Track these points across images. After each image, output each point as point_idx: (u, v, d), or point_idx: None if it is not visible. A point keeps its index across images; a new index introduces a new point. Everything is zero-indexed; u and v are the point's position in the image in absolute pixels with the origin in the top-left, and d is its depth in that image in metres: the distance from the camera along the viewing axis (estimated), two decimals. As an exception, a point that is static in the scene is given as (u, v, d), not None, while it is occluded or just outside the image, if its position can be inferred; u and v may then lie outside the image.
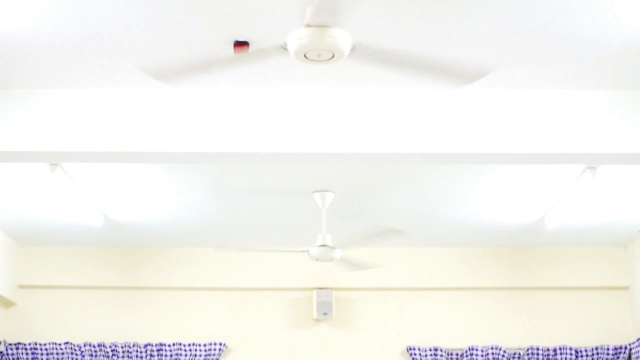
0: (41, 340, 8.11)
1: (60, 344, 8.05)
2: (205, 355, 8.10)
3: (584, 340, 8.15)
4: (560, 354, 8.03)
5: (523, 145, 4.80)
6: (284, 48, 3.72)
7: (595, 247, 8.28)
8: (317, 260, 6.50)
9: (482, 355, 8.05)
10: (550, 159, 4.89)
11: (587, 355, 8.04)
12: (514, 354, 8.09)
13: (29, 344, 8.06)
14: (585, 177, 5.94)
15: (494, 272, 8.32)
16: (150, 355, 8.06)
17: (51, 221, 7.45)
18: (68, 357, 8.01)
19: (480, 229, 7.73)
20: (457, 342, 8.17)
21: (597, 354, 8.04)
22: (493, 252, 8.35)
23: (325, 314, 8.14)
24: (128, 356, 8.06)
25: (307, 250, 6.55)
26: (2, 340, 8.09)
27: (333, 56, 3.64)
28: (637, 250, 8.01)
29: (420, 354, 8.10)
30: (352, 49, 3.71)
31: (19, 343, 8.07)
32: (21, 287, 8.26)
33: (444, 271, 8.33)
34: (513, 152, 4.81)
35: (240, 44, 4.12)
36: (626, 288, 8.26)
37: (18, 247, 8.22)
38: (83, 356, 8.03)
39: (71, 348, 8.04)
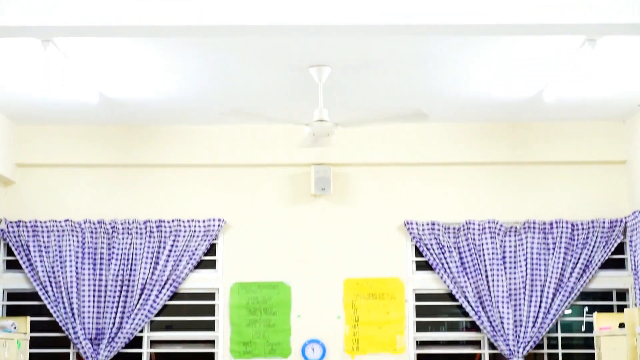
0: (41, 217, 8.18)
1: (60, 222, 8.12)
2: (205, 231, 8.18)
3: (580, 213, 8.22)
4: (557, 227, 8.11)
5: (522, 15, 4.71)
6: None
7: (593, 121, 8.26)
8: (314, 135, 6.49)
9: (478, 229, 8.14)
10: (550, 30, 4.82)
11: (582, 229, 8.12)
12: (511, 227, 8.18)
13: (29, 222, 8.14)
14: (584, 50, 5.87)
15: (491, 147, 8.32)
16: (150, 231, 8.14)
17: (47, 99, 7.40)
18: (68, 234, 8.09)
19: (478, 104, 7.70)
20: (454, 217, 8.25)
21: (593, 227, 8.13)
22: (491, 127, 8.33)
23: (323, 189, 8.18)
24: (128, 233, 8.15)
25: (305, 125, 6.53)
26: (2, 218, 8.17)
27: None
28: (635, 124, 7.99)
29: (417, 229, 8.18)
30: None
31: (19, 221, 8.15)
32: (19, 165, 8.28)
33: (441, 146, 8.34)
34: (512, 22, 4.73)
35: None
36: (623, 162, 8.27)
37: (15, 125, 8.20)
38: (83, 233, 8.12)
39: (71, 225, 8.11)
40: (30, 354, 7.53)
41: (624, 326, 6.18)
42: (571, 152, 8.29)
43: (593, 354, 7.50)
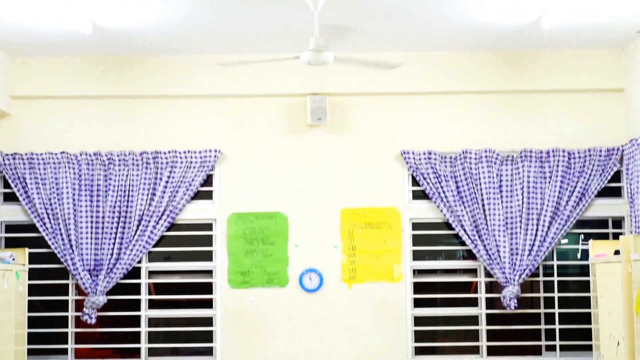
0: (37, 150, 8.16)
1: (56, 154, 8.11)
2: (201, 162, 8.17)
3: (577, 142, 8.21)
4: (553, 156, 8.11)
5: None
6: None
7: (591, 49, 8.19)
8: (309, 64, 6.43)
9: (475, 158, 8.13)
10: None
11: (579, 157, 8.12)
12: (507, 156, 8.17)
13: (25, 154, 8.12)
14: (583, -25, 5.79)
15: (489, 76, 8.27)
16: (147, 162, 8.13)
17: (40, 30, 7.33)
18: (65, 166, 8.08)
19: (476, 31, 7.63)
20: (451, 146, 8.24)
21: (590, 155, 8.12)
22: (489, 55, 8.27)
23: (319, 119, 8.15)
24: (124, 164, 8.14)
25: (298, 56, 6.47)
26: (-2, 150, 8.15)
27: None
28: (633, 52, 7.93)
29: (414, 158, 8.17)
30: None
31: (15, 153, 8.13)
32: (14, 98, 8.23)
33: (438, 75, 8.28)
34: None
35: None
36: (621, 90, 8.23)
37: (9, 58, 8.13)
38: (79, 165, 8.11)
39: (67, 157, 8.10)
40: (29, 285, 7.58)
41: (619, 253, 6.21)
42: (569, 80, 8.25)
43: (588, 281, 7.56)
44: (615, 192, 8.29)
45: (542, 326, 8.22)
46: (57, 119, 8.29)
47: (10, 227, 8.29)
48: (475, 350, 8.25)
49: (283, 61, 6.72)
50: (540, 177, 8.12)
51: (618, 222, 8.29)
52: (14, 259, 6.93)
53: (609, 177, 8.14)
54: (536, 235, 8.04)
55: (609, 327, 6.36)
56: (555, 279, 8.22)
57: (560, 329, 8.18)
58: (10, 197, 8.26)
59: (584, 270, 8.16)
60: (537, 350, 8.25)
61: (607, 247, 7.04)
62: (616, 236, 7.94)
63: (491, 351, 8.22)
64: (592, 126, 8.26)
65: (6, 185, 8.27)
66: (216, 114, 8.32)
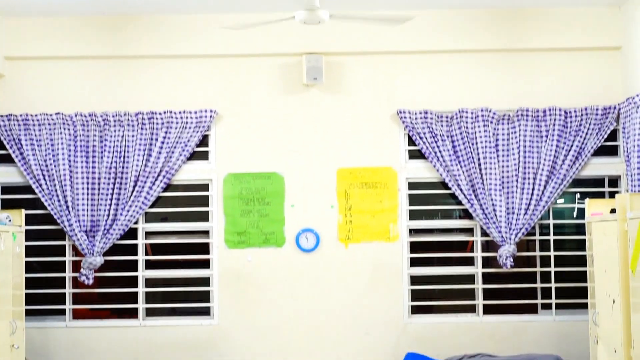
0: (32, 111, 8.13)
1: (51, 115, 8.08)
2: (197, 122, 8.15)
3: (574, 101, 8.19)
4: (550, 114, 8.09)
5: None
6: None
7: (588, 6, 8.14)
8: (304, 23, 6.38)
9: (471, 117, 8.11)
10: None
11: (576, 116, 8.10)
12: (504, 115, 8.15)
13: (20, 115, 8.09)
14: None
15: (485, 34, 8.22)
16: (142, 123, 8.10)
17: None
18: (60, 127, 8.06)
19: (472, -10, 7.58)
20: (447, 105, 8.21)
21: (586, 114, 8.10)
22: (485, 13, 8.22)
23: (315, 79, 8.11)
24: (119, 125, 8.11)
25: (293, 16, 6.42)
26: (-7, 111, 8.12)
27: None
28: (631, 10, 7.88)
29: (410, 117, 8.15)
30: None
31: (10, 114, 8.10)
32: (8, 58, 8.18)
33: (434, 34, 8.23)
34: None
35: None
36: (618, 48, 8.19)
37: (2, 18, 8.07)
38: (75, 126, 8.08)
39: (62, 118, 8.07)
40: (26, 247, 7.60)
41: (615, 212, 6.22)
42: (566, 38, 8.20)
43: (584, 240, 7.57)
44: (612, 151, 8.29)
45: (538, 285, 8.26)
46: (51, 79, 8.25)
47: (6, 189, 8.28)
48: (471, 309, 8.30)
49: (279, 20, 6.66)
50: (536, 136, 8.11)
51: (614, 181, 8.30)
52: (10, 220, 6.93)
53: (605, 136, 8.13)
54: (532, 194, 8.05)
55: (605, 285, 6.39)
56: (551, 237, 8.25)
57: (556, 288, 8.22)
58: (6, 159, 8.24)
59: (580, 229, 8.18)
60: (533, 309, 8.30)
61: (603, 206, 7.05)
62: (612, 195, 7.96)
63: (487, 310, 8.26)
64: (588, 84, 8.23)
65: (1, 146, 8.25)
66: (211, 74, 8.28)
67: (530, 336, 8.16)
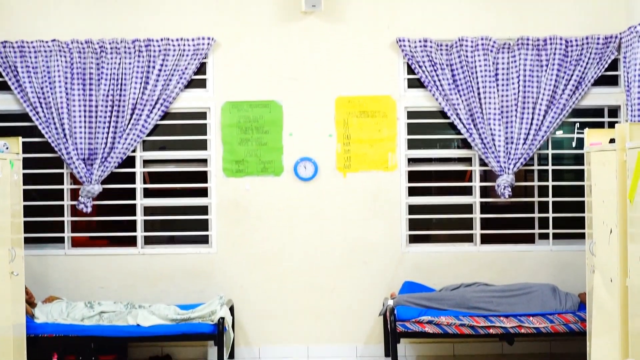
0: (28, 38, 8.04)
1: (47, 42, 7.99)
2: (194, 50, 8.07)
3: (575, 29, 8.10)
4: (550, 44, 8.01)
5: None
6: None
7: None
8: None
9: (471, 46, 8.03)
10: None
11: (576, 45, 8.02)
12: (504, 44, 8.07)
13: (16, 42, 8.00)
14: None
15: (486, -39, 8.12)
16: (139, 50, 8.03)
17: None
18: (56, 55, 7.98)
19: None
20: (447, 33, 8.12)
21: (587, 43, 8.02)
22: (487, -60, 8.10)
23: (313, 6, 8.00)
24: (116, 52, 8.03)
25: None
26: (-12, 38, 8.04)
27: None
28: (635, -64, 7.75)
29: (409, 46, 8.07)
30: None
31: (5, 41, 8.02)
32: (2, -16, 8.09)
33: (435, -39, 8.13)
34: None
35: None
36: (621, -24, 8.09)
37: (-6, -58, 7.95)
38: (71, 53, 8.00)
39: (59, 45, 7.98)
40: (24, 175, 7.57)
41: (614, 142, 6.19)
42: (568, -35, 8.10)
43: (582, 170, 7.57)
44: (612, 81, 8.23)
45: (536, 215, 8.28)
46: (47, 6, 8.14)
47: (2, 117, 8.24)
48: (468, 239, 8.33)
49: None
50: (536, 65, 8.04)
51: (614, 111, 8.26)
52: (7, 148, 6.89)
53: (606, 66, 8.06)
54: (531, 124, 8.02)
55: (602, 215, 6.39)
56: (550, 167, 8.24)
57: (553, 218, 8.25)
58: (2, 86, 8.19)
59: (579, 160, 8.17)
60: (530, 239, 8.33)
61: (602, 136, 7.02)
62: (612, 125, 7.93)
63: (484, 239, 8.30)
64: (590, 13, 8.14)
65: (-3, 74, 8.20)
66: (209, 1, 8.17)
67: (527, 266, 8.21)
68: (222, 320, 7.36)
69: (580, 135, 7.94)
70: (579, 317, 7.38)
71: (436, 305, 7.55)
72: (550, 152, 8.24)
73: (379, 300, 8.12)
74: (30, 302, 7.62)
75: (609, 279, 6.20)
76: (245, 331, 8.20)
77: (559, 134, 8.36)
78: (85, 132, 8.00)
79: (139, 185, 8.23)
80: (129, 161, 8.21)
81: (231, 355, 8.00)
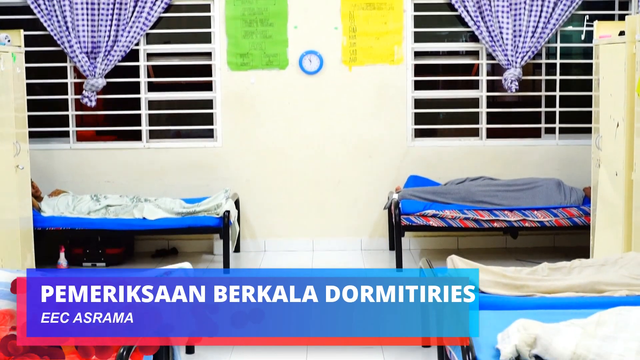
0: None
1: None
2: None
3: None
4: None
5: None
6: None
7: None
8: None
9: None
10: None
11: None
12: None
13: None
14: None
15: None
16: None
17: None
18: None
19: None
20: None
21: None
22: None
23: None
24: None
25: None
26: None
27: None
28: None
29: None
30: None
31: None
32: None
33: None
34: None
35: None
36: None
37: None
38: (71, -57, 7.85)
39: None
40: (27, 69, 7.51)
41: (624, 34, 6.10)
42: None
43: (591, 64, 7.48)
44: (624, -28, 8.07)
45: (543, 109, 8.23)
46: None
47: (3, 9, 8.12)
48: (474, 133, 8.30)
49: None
50: (547, -45, 7.87)
51: (625, 4, 8.12)
52: (9, 41, 6.81)
53: (619, -44, 7.90)
54: (540, 16, 7.88)
55: (609, 109, 6.34)
56: (558, 61, 8.15)
57: (560, 112, 8.19)
58: (2, -22, 8.07)
59: (588, 52, 8.07)
60: (536, 133, 8.30)
61: (612, 28, 6.90)
62: (622, 18, 7.80)
63: (490, 134, 8.27)
64: None
65: (-3, -35, 8.05)
66: None
67: (533, 160, 8.20)
68: (227, 213, 7.41)
69: (589, 28, 7.81)
70: (583, 211, 7.40)
71: (441, 199, 7.57)
72: (558, 45, 8.13)
73: (384, 194, 8.14)
74: (37, 196, 7.67)
75: (614, 173, 6.20)
76: (251, 224, 8.26)
77: (568, 28, 8.23)
78: (87, 25, 7.90)
79: (143, 79, 8.17)
80: (133, 55, 8.13)
81: (237, 248, 8.08)
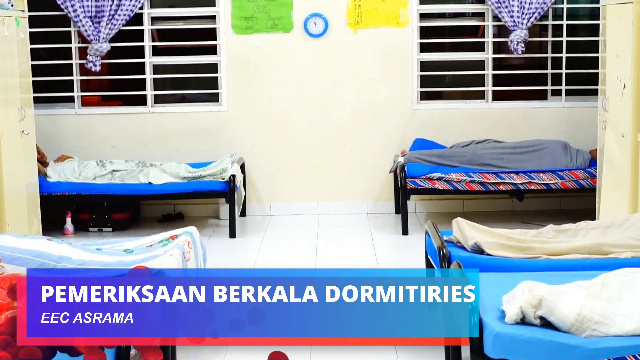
0: None
1: None
2: None
3: None
4: None
5: None
6: None
7: None
8: None
9: None
10: None
11: None
12: None
13: None
14: None
15: None
16: None
17: None
18: None
19: None
20: None
21: None
22: None
23: None
24: None
25: None
26: None
27: None
28: None
29: None
30: None
31: None
32: None
33: None
34: None
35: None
36: None
37: None
38: None
39: None
40: (31, 34, 7.48)
41: (631, -6, 6.04)
42: None
43: (597, 26, 7.42)
44: None
45: (549, 71, 8.18)
46: None
47: (6, -27, 8.08)
48: (480, 96, 8.27)
49: None
50: None
51: (632, -37, 8.03)
52: (12, 5, 6.78)
53: None
54: (547, -23, 7.83)
55: (616, 70, 6.30)
56: (565, 22, 8.08)
57: (566, 74, 8.15)
58: (4, -58, 7.99)
59: (594, 13, 8.00)
60: (542, 95, 8.26)
61: (619, -11, 6.84)
62: (629, -22, 7.71)
63: (496, 96, 8.24)
64: None
65: None
66: None
67: (539, 122, 8.17)
68: (233, 177, 7.41)
69: (596, -12, 7.75)
70: (589, 173, 7.39)
71: (447, 162, 7.56)
72: (565, 6, 8.06)
73: (390, 158, 8.13)
74: (43, 162, 7.67)
75: (621, 135, 6.17)
76: (257, 189, 8.26)
77: (575, -13, 8.17)
78: (91, -11, 7.87)
79: (147, 43, 8.14)
80: (137, 19, 8.09)
81: (243, 212, 8.09)
